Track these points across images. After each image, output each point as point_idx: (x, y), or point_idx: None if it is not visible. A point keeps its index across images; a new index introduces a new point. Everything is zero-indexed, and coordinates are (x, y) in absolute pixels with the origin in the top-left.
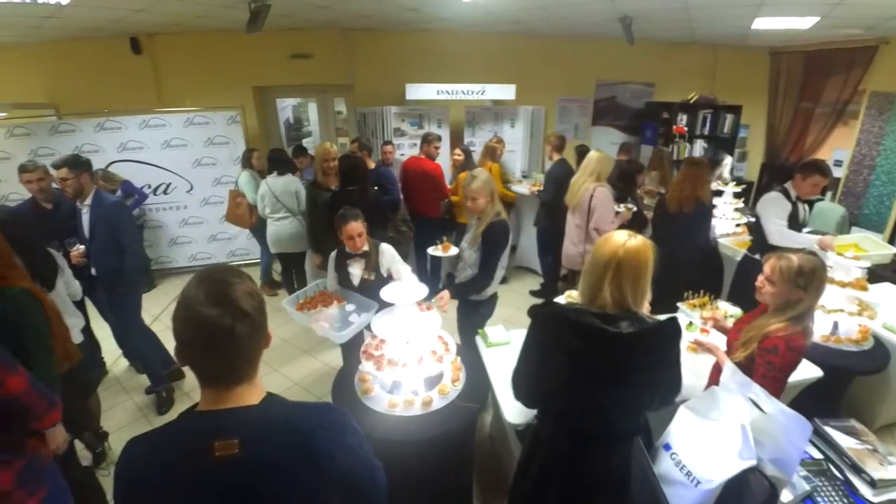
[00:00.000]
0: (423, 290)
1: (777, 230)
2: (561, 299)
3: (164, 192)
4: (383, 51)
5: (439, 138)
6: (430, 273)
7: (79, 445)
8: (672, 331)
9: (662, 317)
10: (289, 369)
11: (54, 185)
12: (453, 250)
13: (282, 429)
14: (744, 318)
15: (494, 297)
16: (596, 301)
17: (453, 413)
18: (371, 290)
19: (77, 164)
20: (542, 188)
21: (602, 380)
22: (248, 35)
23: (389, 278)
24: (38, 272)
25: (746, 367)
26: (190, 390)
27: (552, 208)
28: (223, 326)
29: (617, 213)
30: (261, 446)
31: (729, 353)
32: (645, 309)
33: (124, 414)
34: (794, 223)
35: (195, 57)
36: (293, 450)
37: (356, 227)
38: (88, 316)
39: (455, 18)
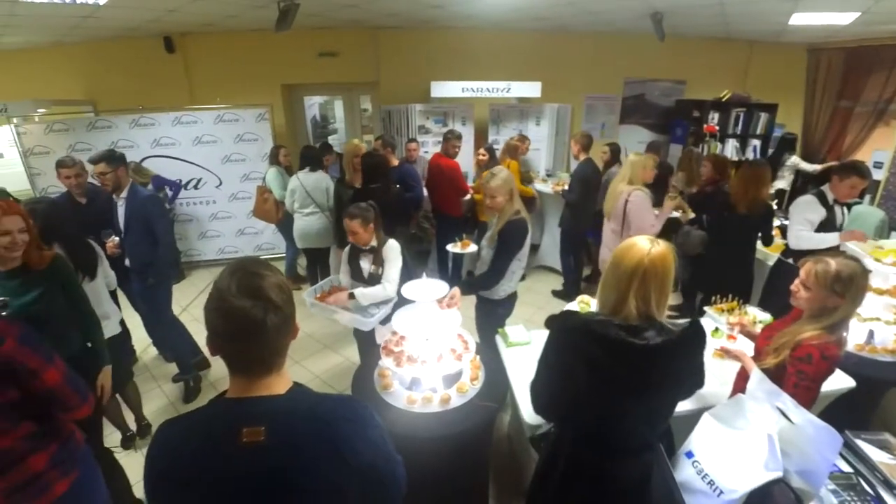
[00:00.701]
0: (444, 287)
1: (795, 235)
2: (573, 305)
3: (195, 187)
4: (408, 49)
5: (459, 136)
6: (452, 271)
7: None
8: (697, 336)
9: (681, 321)
10: (310, 362)
11: (89, 181)
12: (472, 247)
13: (307, 418)
14: (774, 325)
15: (513, 296)
16: (620, 312)
17: (471, 412)
18: (377, 283)
19: (113, 158)
20: (566, 187)
21: (627, 391)
22: (276, 34)
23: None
24: (79, 262)
25: (776, 375)
26: (215, 380)
27: (577, 209)
28: (255, 318)
29: (656, 214)
30: (286, 434)
31: (757, 359)
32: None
33: (153, 401)
34: (831, 227)
35: (226, 56)
36: (317, 439)
37: (351, 224)
38: (120, 305)
39: (480, 16)
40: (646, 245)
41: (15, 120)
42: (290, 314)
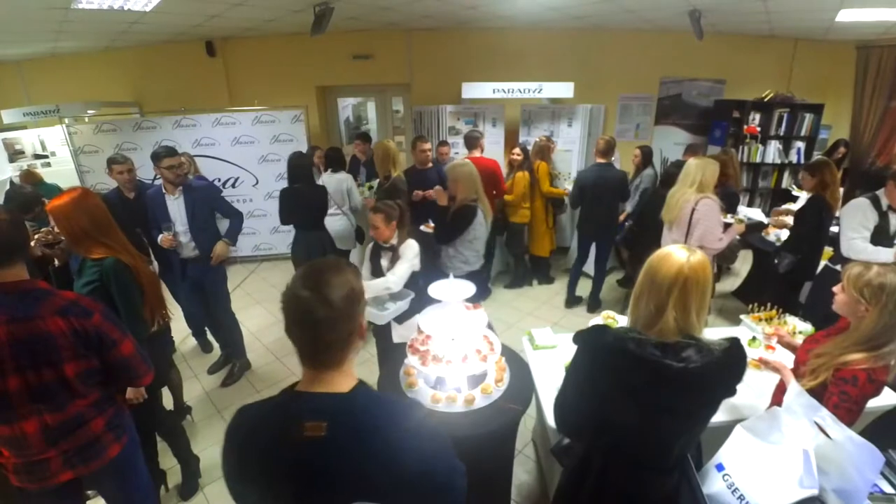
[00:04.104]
0: (471, 288)
1: (848, 242)
2: (598, 319)
3: (233, 186)
4: (441, 50)
5: (482, 134)
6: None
7: None
8: (740, 358)
9: (714, 332)
10: None
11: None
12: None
13: (367, 419)
14: (815, 336)
15: (472, 276)
16: (655, 327)
17: (495, 413)
18: None
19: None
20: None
21: (664, 413)
22: (312, 37)
23: (414, 272)
24: None
25: (817, 393)
26: (255, 380)
27: (581, 214)
28: (307, 308)
29: (727, 225)
30: (345, 432)
31: (796, 372)
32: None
33: (190, 390)
34: (884, 235)
35: (264, 59)
36: (374, 442)
37: (374, 218)
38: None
39: (515, 16)
40: (683, 254)
41: (67, 120)
42: (346, 313)
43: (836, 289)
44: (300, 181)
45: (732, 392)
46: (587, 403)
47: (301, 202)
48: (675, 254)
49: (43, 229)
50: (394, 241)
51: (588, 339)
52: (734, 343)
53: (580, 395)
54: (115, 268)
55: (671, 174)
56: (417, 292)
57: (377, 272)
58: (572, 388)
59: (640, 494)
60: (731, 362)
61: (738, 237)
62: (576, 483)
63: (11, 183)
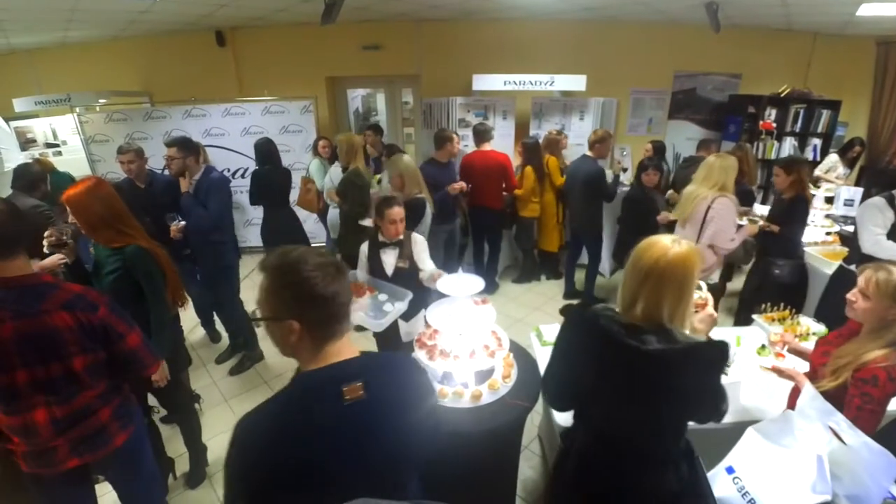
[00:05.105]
0: (480, 283)
1: (872, 239)
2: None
3: (242, 176)
4: (451, 41)
5: (491, 127)
6: (488, 265)
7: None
8: (711, 356)
9: (724, 332)
10: None
11: (148, 167)
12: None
13: (393, 371)
14: (828, 338)
15: None
16: (629, 311)
17: (502, 409)
18: (404, 279)
19: (187, 146)
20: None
21: (628, 394)
22: (322, 27)
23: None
24: None
25: (834, 395)
26: (262, 370)
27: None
28: (329, 284)
29: (739, 226)
30: (379, 387)
31: (813, 377)
32: (687, 327)
33: (198, 380)
34: None
35: (273, 49)
36: (405, 387)
37: (399, 211)
38: None
39: (525, 6)
40: (666, 244)
41: (78, 109)
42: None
43: (851, 295)
44: (269, 164)
45: (712, 406)
46: (567, 374)
47: (273, 183)
48: (658, 243)
49: (47, 231)
50: (399, 236)
51: (572, 313)
52: (712, 343)
53: (560, 365)
54: (137, 254)
55: (644, 167)
56: (415, 290)
57: (378, 271)
58: (556, 358)
59: (614, 478)
60: (695, 356)
61: (752, 238)
62: (562, 458)
63: None
